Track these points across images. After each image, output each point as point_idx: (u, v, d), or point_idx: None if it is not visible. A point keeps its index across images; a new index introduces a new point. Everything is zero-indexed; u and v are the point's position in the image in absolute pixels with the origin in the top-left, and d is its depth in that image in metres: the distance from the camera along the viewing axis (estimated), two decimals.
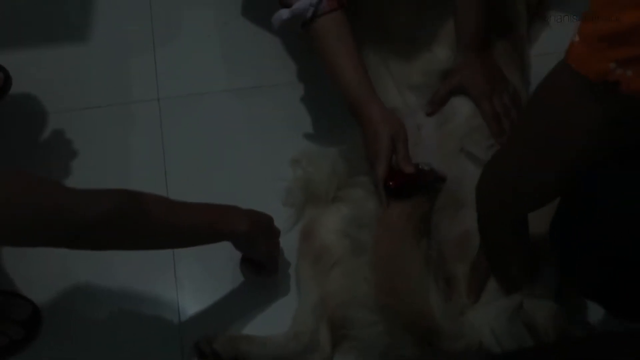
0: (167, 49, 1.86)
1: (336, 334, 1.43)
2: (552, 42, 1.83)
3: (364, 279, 1.34)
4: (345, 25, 1.44)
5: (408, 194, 1.36)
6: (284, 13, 1.45)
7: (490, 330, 1.32)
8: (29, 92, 1.76)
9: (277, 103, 1.77)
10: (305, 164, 1.63)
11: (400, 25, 1.61)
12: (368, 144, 1.41)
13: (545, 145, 1.01)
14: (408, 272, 1.29)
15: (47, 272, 1.52)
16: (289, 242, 1.53)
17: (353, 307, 1.38)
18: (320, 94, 1.76)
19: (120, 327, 1.49)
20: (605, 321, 1.40)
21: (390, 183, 1.36)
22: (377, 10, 1.62)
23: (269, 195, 1.60)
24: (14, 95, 1.73)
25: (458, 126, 1.50)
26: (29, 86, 1.76)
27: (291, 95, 1.79)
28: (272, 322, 1.46)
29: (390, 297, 1.29)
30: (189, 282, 1.54)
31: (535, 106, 1.05)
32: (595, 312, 1.42)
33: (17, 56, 1.80)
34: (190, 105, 1.77)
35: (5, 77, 1.72)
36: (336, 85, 1.45)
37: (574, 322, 1.34)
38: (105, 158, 1.68)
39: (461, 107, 1.52)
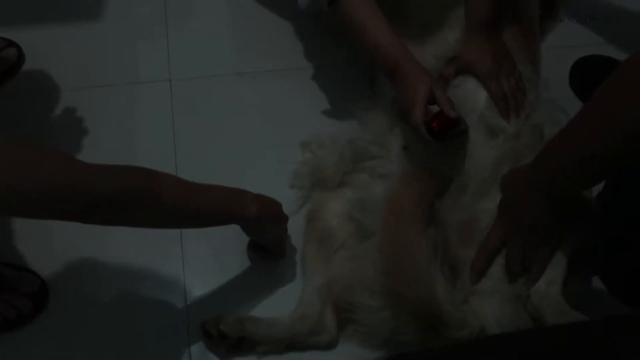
0: (180, 30, 1.87)
1: (341, 317, 1.44)
2: (562, 36, 1.85)
3: (370, 264, 1.35)
4: None
5: (451, 136, 1.38)
6: None
7: (494, 319, 1.33)
8: (41, 69, 1.77)
9: (287, 87, 1.78)
10: (314, 148, 1.64)
11: (414, 9, 1.62)
12: (401, 94, 1.42)
13: None
14: (415, 258, 1.30)
15: (54, 247, 1.53)
16: (295, 225, 1.54)
17: (358, 292, 1.39)
18: (331, 79, 1.77)
19: (126, 306, 1.50)
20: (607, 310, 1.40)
21: (434, 125, 1.36)
22: None
23: (277, 178, 1.62)
24: (26, 72, 1.74)
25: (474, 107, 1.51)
26: (41, 63, 1.77)
27: (302, 80, 1.80)
28: (278, 305, 1.47)
29: (397, 283, 1.30)
30: (196, 263, 1.55)
31: None
32: (598, 301, 1.43)
33: (31, 33, 1.80)
34: (201, 87, 1.78)
35: (18, 54, 1.73)
36: (371, 51, 1.47)
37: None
38: (115, 137, 1.68)
39: (478, 90, 1.52)
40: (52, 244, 1.53)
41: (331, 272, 1.47)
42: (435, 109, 1.41)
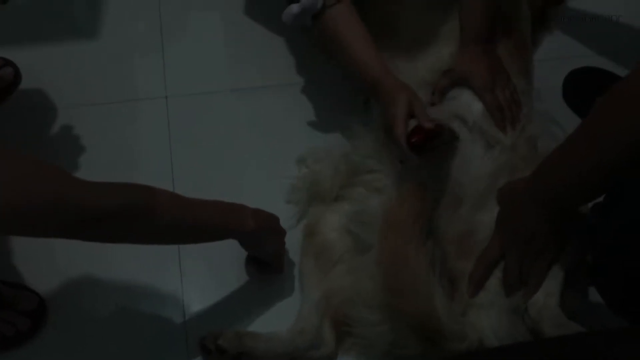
0: (175, 47, 1.88)
1: (339, 331, 1.44)
2: (554, 48, 1.86)
3: (368, 278, 1.35)
4: (353, 14, 1.49)
5: (430, 148, 1.38)
6: (294, 8, 1.48)
7: (492, 332, 1.34)
8: (38, 88, 1.78)
9: (283, 102, 1.79)
10: (310, 163, 1.65)
11: (408, 23, 1.63)
12: (385, 110, 1.42)
13: None
14: (413, 271, 1.30)
15: (52, 265, 1.54)
16: (292, 240, 1.54)
17: (357, 306, 1.39)
18: (325, 94, 1.78)
19: (125, 322, 1.50)
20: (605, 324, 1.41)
21: (413, 140, 1.36)
22: (384, 9, 1.64)
23: (274, 193, 1.62)
24: (23, 91, 1.75)
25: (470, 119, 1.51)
26: (38, 82, 1.78)
27: (297, 95, 1.81)
28: (277, 319, 1.47)
29: (396, 296, 1.30)
30: (195, 278, 1.55)
31: None
32: (595, 314, 1.43)
33: (27, 52, 1.82)
34: (198, 104, 1.78)
35: (14, 73, 1.74)
36: (351, 67, 1.49)
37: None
38: (112, 154, 1.69)
39: (473, 102, 1.53)
40: (50, 262, 1.53)
41: (329, 285, 1.47)
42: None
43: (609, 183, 1.18)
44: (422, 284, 1.29)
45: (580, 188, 1.19)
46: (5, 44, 1.81)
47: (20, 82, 1.74)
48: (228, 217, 1.34)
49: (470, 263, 1.41)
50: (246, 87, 1.82)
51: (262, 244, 1.42)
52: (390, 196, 1.40)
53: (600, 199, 1.26)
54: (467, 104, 1.52)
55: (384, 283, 1.31)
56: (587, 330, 1.28)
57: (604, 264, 1.25)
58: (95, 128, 1.72)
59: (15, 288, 1.48)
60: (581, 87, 1.83)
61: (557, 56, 1.87)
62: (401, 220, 1.34)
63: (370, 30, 1.51)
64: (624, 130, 1.05)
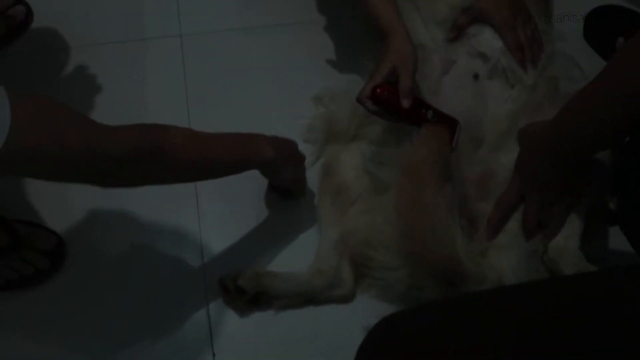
0: None
1: (357, 270, 1.45)
2: None
3: (387, 222, 1.34)
4: None
5: (388, 110, 1.36)
6: None
7: (512, 272, 1.33)
8: (50, 27, 1.76)
9: (299, 41, 1.77)
10: (327, 101, 1.63)
11: None
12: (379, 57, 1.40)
13: None
14: (432, 219, 1.29)
15: (68, 204, 1.53)
16: (310, 179, 1.54)
17: (375, 249, 1.39)
18: (342, 33, 1.76)
19: (143, 261, 1.50)
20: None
21: (378, 90, 1.35)
22: None
23: (290, 132, 1.59)
24: (35, 30, 1.73)
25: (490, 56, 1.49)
26: (50, 21, 1.76)
27: (313, 34, 1.78)
28: (295, 259, 1.47)
29: (417, 245, 1.29)
30: (212, 218, 1.55)
31: None
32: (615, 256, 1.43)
33: None
34: (213, 42, 1.77)
35: (26, 12, 1.71)
36: (364, 10, 1.45)
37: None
38: (128, 93, 1.68)
39: (494, 40, 1.50)
40: (67, 202, 1.53)
41: (347, 225, 1.47)
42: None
43: (627, 132, 1.16)
44: (442, 229, 1.28)
45: (600, 137, 1.16)
46: None
47: (32, 21, 1.72)
48: (246, 148, 1.34)
49: (489, 205, 1.39)
50: (262, 25, 1.80)
51: (282, 171, 1.42)
52: (407, 141, 1.37)
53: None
54: (488, 41, 1.50)
55: (402, 230, 1.30)
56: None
57: (632, 204, 1.24)
58: (110, 67, 1.71)
59: (33, 226, 1.48)
60: (602, 27, 1.80)
61: None
62: (418, 167, 1.32)
63: None
64: None
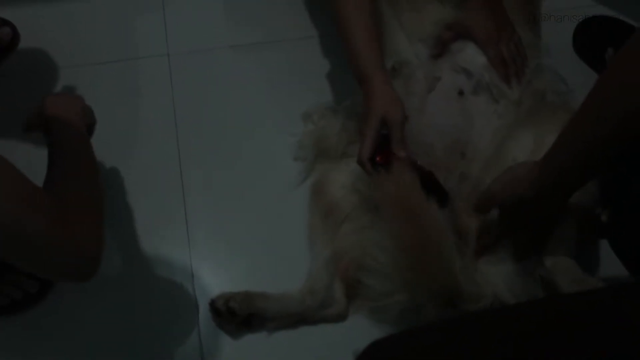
0: (176, 4, 1.85)
1: (350, 290, 1.44)
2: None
3: (379, 246, 1.33)
4: None
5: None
6: None
7: (507, 288, 1.33)
8: (38, 48, 1.76)
9: (286, 58, 1.77)
10: (316, 119, 1.63)
11: None
12: (363, 109, 1.37)
13: None
14: (427, 243, 1.26)
15: None
16: (299, 198, 1.54)
17: (368, 274, 1.38)
18: (329, 50, 1.76)
19: (133, 285, 1.49)
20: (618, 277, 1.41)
21: (378, 158, 1.31)
22: None
23: (280, 150, 1.62)
24: (22, 51, 1.72)
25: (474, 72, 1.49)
26: (38, 42, 1.76)
27: (300, 51, 1.79)
28: (286, 279, 1.46)
29: (414, 271, 1.28)
30: (202, 239, 1.54)
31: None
32: (609, 268, 1.43)
33: (25, 11, 1.79)
34: (200, 61, 1.77)
35: (12, 33, 1.70)
36: (345, 50, 1.42)
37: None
38: (116, 113, 1.66)
39: (477, 55, 1.50)
40: None
41: (338, 244, 1.46)
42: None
43: (617, 157, 1.10)
44: (438, 250, 1.26)
45: (587, 163, 1.11)
46: (3, 2, 1.78)
47: (18, 42, 1.71)
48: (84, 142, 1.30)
49: (479, 219, 1.38)
50: (249, 43, 1.80)
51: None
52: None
53: None
54: (471, 57, 1.50)
55: (399, 258, 1.29)
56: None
57: (622, 222, 1.24)
58: (97, 88, 1.70)
59: None
60: (591, 38, 1.80)
61: (567, 6, 1.84)
62: (401, 192, 1.29)
63: None
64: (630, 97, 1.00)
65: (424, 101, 1.48)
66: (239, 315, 1.38)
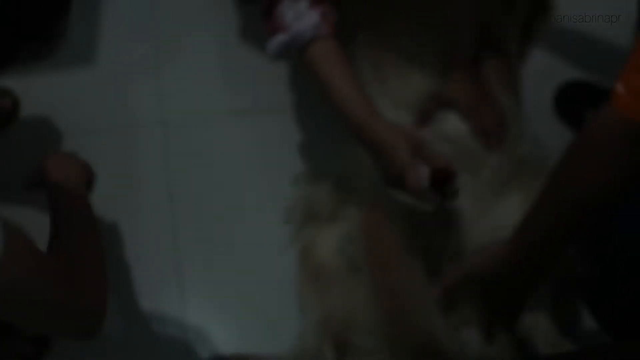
0: (170, 73, 1.90)
1: (340, 350, 1.45)
2: (543, 61, 1.87)
3: (363, 306, 1.37)
4: (340, 52, 1.42)
5: (450, 192, 1.27)
6: (281, 37, 1.42)
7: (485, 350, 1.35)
8: (38, 117, 1.79)
9: (278, 125, 1.81)
10: (305, 184, 1.67)
11: (397, 45, 1.64)
12: (385, 163, 1.31)
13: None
14: (407, 300, 1.32)
15: None
16: (289, 260, 1.57)
17: (355, 332, 1.41)
18: (320, 116, 1.79)
19: (126, 344, 1.51)
20: (597, 335, 1.43)
21: (436, 177, 1.23)
22: (374, 30, 1.65)
23: (271, 215, 1.65)
24: (23, 120, 1.77)
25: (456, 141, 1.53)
26: (37, 111, 1.80)
27: (291, 118, 1.83)
28: (278, 341, 1.48)
29: (395, 328, 1.32)
30: (196, 300, 1.57)
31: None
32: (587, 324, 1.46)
33: (24, 80, 1.82)
34: (195, 128, 1.81)
35: (12, 102, 1.76)
36: (335, 108, 1.39)
37: (567, 335, 1.37)
38: (111, 181, 1.67)
39: (459, 125, 1.54)
40: None
41: (328, 306, 1.48)
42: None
43: (578, 234, 1.16)
44: (418, 309, 1.30)
45: (551, 245, 1.15)
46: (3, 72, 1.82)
47: (19, 112, 1.76)
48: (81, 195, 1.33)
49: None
50: (242, 111, 1.84)
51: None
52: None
53: None
54: (454, 125, 1.53)
55: (381, 316, 1.33)
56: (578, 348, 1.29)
57: (597, 290, 1.26)
58: (92, 156, 1.69)
59: None
60: (571, 100, 1.84)
61: (546, 69, 1.88)
62: (381, 251, 1.34)
63: (360, 50, 1.52)
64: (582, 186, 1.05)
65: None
66: None
